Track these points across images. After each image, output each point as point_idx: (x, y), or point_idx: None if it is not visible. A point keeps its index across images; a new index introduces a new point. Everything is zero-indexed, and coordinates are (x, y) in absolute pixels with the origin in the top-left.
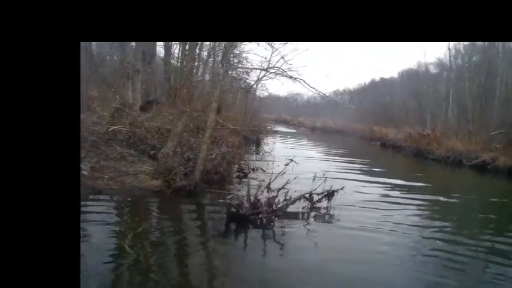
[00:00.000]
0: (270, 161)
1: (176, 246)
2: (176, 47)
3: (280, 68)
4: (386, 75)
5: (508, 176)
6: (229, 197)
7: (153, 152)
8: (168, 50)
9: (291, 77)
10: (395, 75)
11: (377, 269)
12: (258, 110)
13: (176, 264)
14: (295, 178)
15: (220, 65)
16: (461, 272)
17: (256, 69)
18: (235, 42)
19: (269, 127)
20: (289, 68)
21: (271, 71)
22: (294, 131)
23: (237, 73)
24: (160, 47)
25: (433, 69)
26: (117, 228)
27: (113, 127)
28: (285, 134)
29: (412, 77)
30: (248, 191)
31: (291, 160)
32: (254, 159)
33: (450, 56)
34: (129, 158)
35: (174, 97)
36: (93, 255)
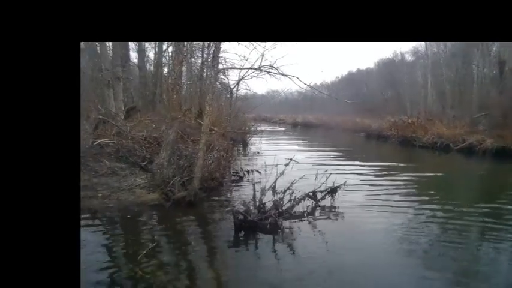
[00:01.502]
0: (260, 160)
1: (188, 263)
2: (151, 51)
3: (272, 66)
4: (363, 67)
5: (495, 157)
6: (235, 204)
7: (144, 163)
8: (142, 54)
9: (285, 75)
10: (371, 65)
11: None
12: (239, 110)
13: (192, 281)
14: (300, 178)
15: (206, 67)
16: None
17: (248, 68)
18: (223, 43)
19: (253, 127)
20: (272, 65)
21: (264, 69)
22: (279, 128)
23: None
24: (133, 52)
25: (409, 57)
26: (124, 251)
27: (99, 140)
28: (268, 133)
29: (389, 66)
30: (254, 195)
31: (291, 159)
32: (246, 161)
33: (426, 44)
34: (121, 172)
35: (153, 103)
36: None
